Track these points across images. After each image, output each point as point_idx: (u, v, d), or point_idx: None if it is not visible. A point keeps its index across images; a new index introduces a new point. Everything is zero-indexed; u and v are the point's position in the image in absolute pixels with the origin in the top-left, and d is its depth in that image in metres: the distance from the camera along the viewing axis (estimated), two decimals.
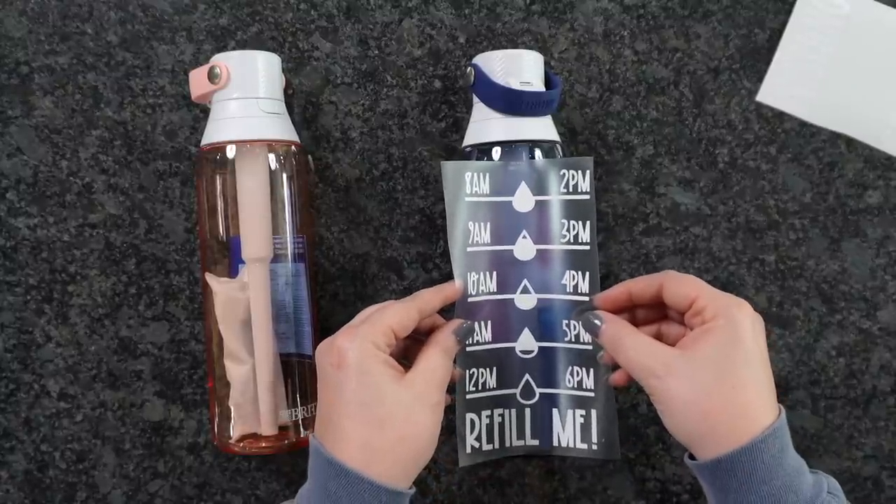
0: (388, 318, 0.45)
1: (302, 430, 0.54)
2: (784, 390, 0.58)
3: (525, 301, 0.52)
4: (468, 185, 0.52)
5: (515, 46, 0.58)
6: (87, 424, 0.59)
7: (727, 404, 0.41)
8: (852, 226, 0.58)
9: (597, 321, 0.47)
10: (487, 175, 0.52)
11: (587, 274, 0.52)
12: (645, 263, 0.59)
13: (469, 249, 0.52)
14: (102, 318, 0.58)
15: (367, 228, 0.59)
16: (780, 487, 0.41)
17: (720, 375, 0.42)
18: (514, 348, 0.53)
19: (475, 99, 0.53)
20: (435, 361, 0.46)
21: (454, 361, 0.48)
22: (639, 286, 0.48)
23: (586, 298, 0.52)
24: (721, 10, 0.58)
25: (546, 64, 0.54)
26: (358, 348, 0.43)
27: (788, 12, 0.58)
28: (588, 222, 0.52)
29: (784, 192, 0.59)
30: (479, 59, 0.53)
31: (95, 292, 0.58)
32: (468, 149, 0.54)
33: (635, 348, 0.44)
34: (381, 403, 0.43)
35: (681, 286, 0.46)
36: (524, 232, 0.52)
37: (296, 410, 0.54)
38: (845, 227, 0.58)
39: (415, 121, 0.59)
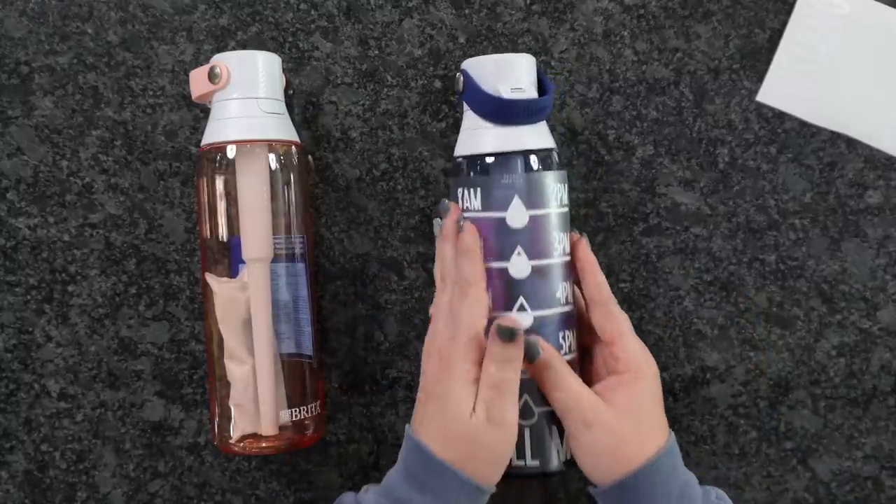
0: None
1: (303, 430, 0.54)
2: (784, 390, 0.59)
3: (521, 319, 0.49)
4: (460, 200, 0.51)
5: (515, 46, 0.58)
6: (87, 424, 0.59)
7: (640, 449, 0.47)
8: (852, 226, 0.58)
9: (537, 350, 0.48)
10: (479, 190, 0.50)
11: (571, 282, 0.51)
12: (645, 263, 0.59)
13: None
14: (102, 318, 0.59)
15: (367, 228, 0.59)
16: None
17: (637, 427, 0.47)
18: None
19: (465, 106, 0.51)
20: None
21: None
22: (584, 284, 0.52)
23: (572, 307, 0.51)
24: (721, 10, 0.58)
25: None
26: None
27: (788, 12, 0.58)
28: (568, 234, 0.51)
29: (784, 192, 0.59)
30: (468, 64, 0.51)
31: (95, 292, 0.58)
32: (459, 159, 0.51)
33: (567, 390, 0.48)
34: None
35: (605, 322, 0.50)
36: (518, 248, 0.49)
37: (296, 410, 0.54)
38: (845, 227, 0.58)
39: (415, 121, 0.59)
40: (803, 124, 0.58)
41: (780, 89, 0.58)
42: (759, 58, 0.58)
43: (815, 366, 0.59)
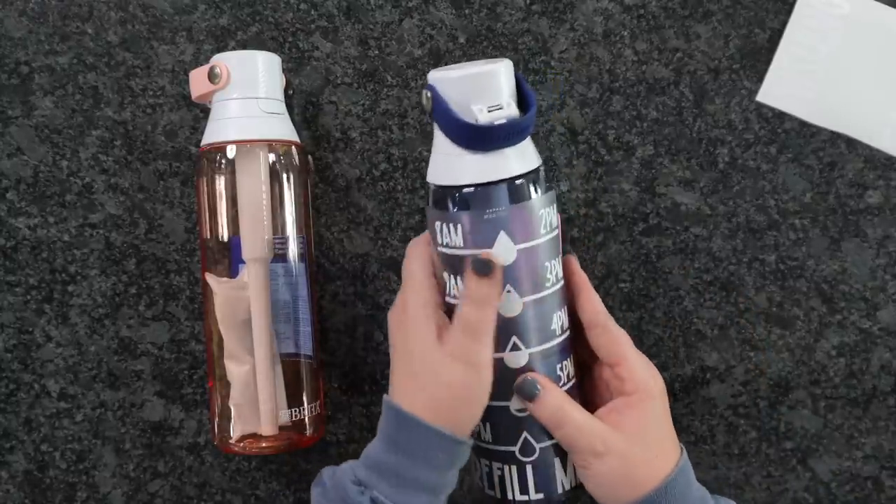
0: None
1: (302, 430, 0.54)
2: (784, 390, 0.59)
3: (515, 359, 0.45)
4: (439, 234, 0.45)
5: (515, 46, 0.58)
6: (87, 424, 0.59)
7: (653, 471, 0.46)
8: (852, 226, 0.58)
9: (536, 389, 0.46)
10: (459, 226, 0.44)
11: (565, 308, 0.47)
12: (645, 263, 0.59)
13: (447, 300, 0.46)
14: (102, 318, 0.59)
15: (367, 228, 0.59)
16: None
17: (649, 448, 0.46)
18: (507, 407, 0.46)
19: (436, 127, 0.44)
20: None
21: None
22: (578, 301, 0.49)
23: (567, 334, 0.48)
24: (721, 10, 0.58)
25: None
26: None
27: (788, 12, 0.58)
28: (559, 257, 0.47)
29: (784, 192, 0.59)
30: (436, 79, 0.43)
31: (95, 292, 0.58)
32: (434, 187, 0.45)
33: (571, 424, 0.46)
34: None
35: (606, 343, 0.48)
36: (508, 286, 0.44)
37: (296, 410, 0.54)
38: (845, 227, 0.58)
39: (415, 121, 0.59)
40: (803, 124, 0.58)
41: (780, 89, 0.58)
42: (759, 58, 0.58)
43: (815, 366, 0.59)
